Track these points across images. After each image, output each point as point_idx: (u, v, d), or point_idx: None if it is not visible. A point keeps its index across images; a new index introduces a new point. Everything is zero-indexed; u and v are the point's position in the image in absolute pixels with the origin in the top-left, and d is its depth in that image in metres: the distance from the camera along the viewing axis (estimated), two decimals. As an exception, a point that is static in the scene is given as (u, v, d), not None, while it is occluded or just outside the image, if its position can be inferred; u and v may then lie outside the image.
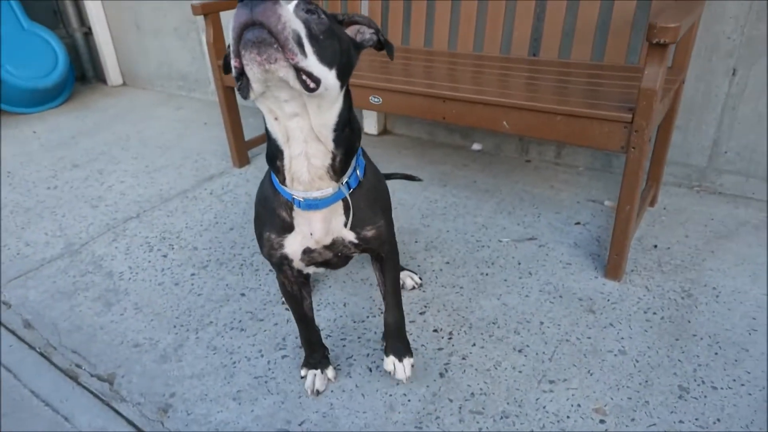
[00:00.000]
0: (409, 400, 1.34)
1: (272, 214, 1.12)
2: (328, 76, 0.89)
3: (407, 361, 1.38)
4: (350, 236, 1.13)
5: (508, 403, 1.31)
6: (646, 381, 1.35)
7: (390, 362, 1.37)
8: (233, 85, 2.46)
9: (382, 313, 1.63)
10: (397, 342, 1.38)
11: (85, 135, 3.29)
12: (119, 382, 1.47)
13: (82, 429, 1.33)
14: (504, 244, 1.93)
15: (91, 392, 1.44)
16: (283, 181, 1.04)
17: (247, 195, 2.40)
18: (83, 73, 4.43)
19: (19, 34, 3.57)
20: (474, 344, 1.50)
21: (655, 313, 1.56)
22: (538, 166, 2.51)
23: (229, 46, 0.89)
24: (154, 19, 3.80)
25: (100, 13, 4.10)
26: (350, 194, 1.08)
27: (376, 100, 1.97)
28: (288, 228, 1.11)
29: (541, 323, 1.56)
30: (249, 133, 2.76)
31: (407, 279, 1.73)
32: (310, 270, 1.26)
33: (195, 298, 1.77)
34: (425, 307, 1.65)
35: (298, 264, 1.17)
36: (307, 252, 1.13)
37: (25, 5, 3.68)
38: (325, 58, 0.87)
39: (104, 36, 4.18)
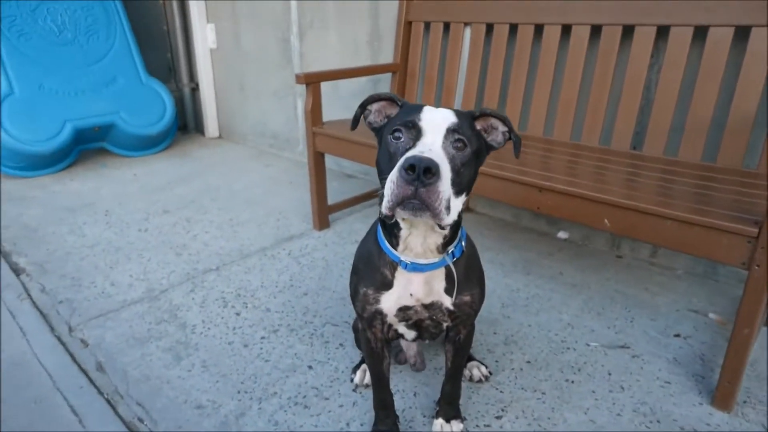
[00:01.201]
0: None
1: (373, 270, 1.19)
2: (459, 207, 1.02)
3: (456, 424, 1.42)
4: (447, 302, 1.18)
5: None
6: None
7: (438, 424, 1.42)
8: (324, 151, 2.52)
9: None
10: (448, 407, 1.43)
11: (179, 182, 3.48)
12: (177, 446, 1.42)
13: (135, 493, 1.28)
14: (592, 349, 1.77)
15: (149, 452, 1.41)
16: (393, 246, 1.13)
17: (323, 260, 2.39)
18: (185, 123, 4.77)
19: (138, 87, 3.91)
20: (557, 465, 1.34)
21: (776, 461, 1.34)
22: (631, 263, 2.34)
23: (365, 110, 1.18)
24: (256, 81, 4.05)
25: (209, 72, 4.44)
26: (453, 263, 1.15)
27: (467, 181, 1.93)
28: (387, 285, 1.18)
29: (636, 451, 1.37)
30: (332, 197, 2.80)
31: (474, 369, 1.63)
32: (401, 328, 1.30)
33: (262, 363, 1.73)
34: (502, 410, 1.51)
35: (391, 319, 1.22)
36: (403, 309, 1.19)
37: (145, 60, 4.05)
38: (460, 191, 1.01)
39: (209, 92, 4.51)
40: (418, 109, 1.04)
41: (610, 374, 1.65)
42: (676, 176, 1.76)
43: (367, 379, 1.57)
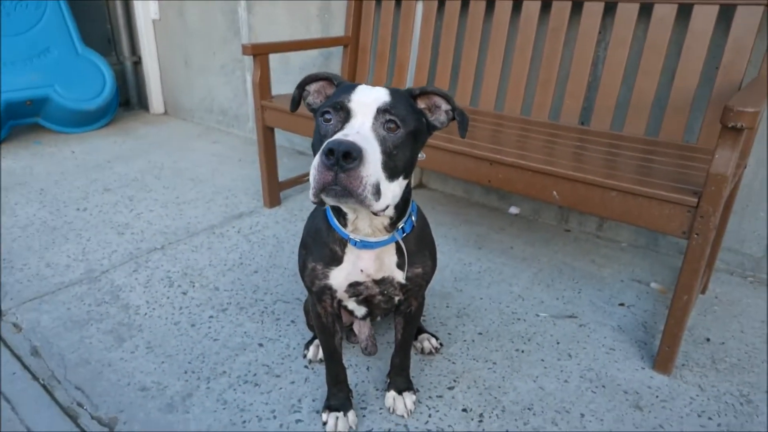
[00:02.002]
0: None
1: (322, 245, 1.16)
2: (396, 191, 0.98)
3: (408, 396, 1.40)
4: (399, 276, 1.17)
5: (544, 508, 1.16)
6: (703, 500, 1.19)
7: (390, 397, 1.41)
8: (273, 126, 2.44)
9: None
10: (399, 379, 1.42)
11: (120, 160, 3.31)
12: (120, 429, 1.36)
13: (73, 480, 1.22)
14: (542, 320, 1.80)
15: (89, 438, 1.34)
16: (342, 225, 1.11)
17: (274, 237, 2.33)
18: (128, 99, 4.53)
19: (73, 58, 3.67)
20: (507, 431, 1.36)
21: (710, 418, 1.41)
22: (578, 237, 2.40)
23: (303, 91, 1.15)
24: (202, 55, 3.88)
25: (152, 44, 4.23)
26: (403, 238, 1.14)
27: (420, 155, 1.91)
28: (337, 261, 1.15)
29: (582, 415, 1.41)
30: (283, 173, 2.73)
31: (425, 342, 1.63)
32: (351, 304, 1.29)
33: (210, 343, 1.67)
34: (454, 381, 1.52)
35: (341, 295, 1.20)
36: (353, 285, 1.17)
37: (81, 31, 3.81)
38: (395, 174, 0.96)
39: (152, 66, 4.29)
40: (351, 88, 0.99)
41: (558, 343, 1.69)
42: (621, 150, 1.80)
43: (320, 354, 1.55)
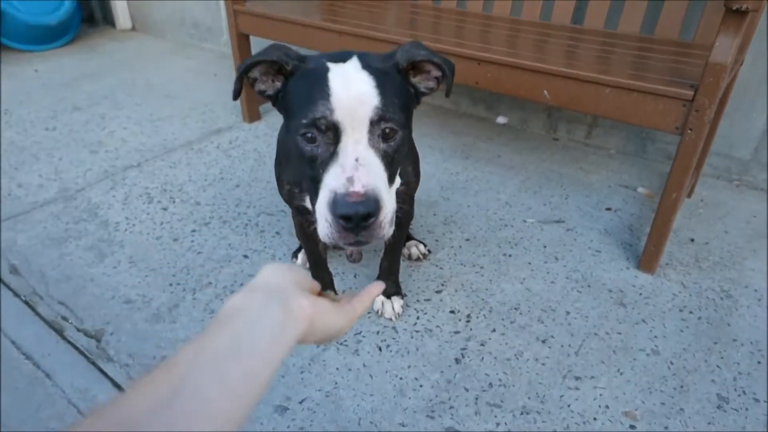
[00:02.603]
0: (421, 386, 1.22)
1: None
2: (393, 189, 0.89)
3: (396, 300, 1.39)
4: None
5: (529, 398, 1.20)
6: (681, 386, 1.23)
7: (378, 301, 1.38)
8: (248, 33, 2.29)
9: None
10: (387, 283, 1.36)
11: (88, 78, 3.12)
12: (107, 340, 1.35)
13: (64, 388, 1.22)
14: (529, 225, 1.79)
15: (77, 348, 1.33)
16: None
17: (255, 152, 2.26)
18: (91, 14, 4.23)
19: (26, -34, 3.37)
20: (494, 330, 1.38)
21: (691, 312, 1.44)
22: (567, 145, 2.36)
23: (248, 78, 0.93)
24: (168, -39, 3.58)
25: (113, -49, 3.89)
26: None
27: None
28: None
29: (567, 313, 1.43)
30: (262, 87, 2.60)
31: (413, 248, 1.62)
32: None
33: (194, 256, 1.65)
34: (442, 285, 1.53)
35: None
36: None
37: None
38: (393, 177, 0.86)
39: (116, -24, 3.97)
40: (323, 83, 0.81)
41: (545, 247, 1.69)
42: (615, 48, 1.72)
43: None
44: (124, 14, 4.16)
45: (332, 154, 0.79)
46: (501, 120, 2.56)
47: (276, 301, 0.50)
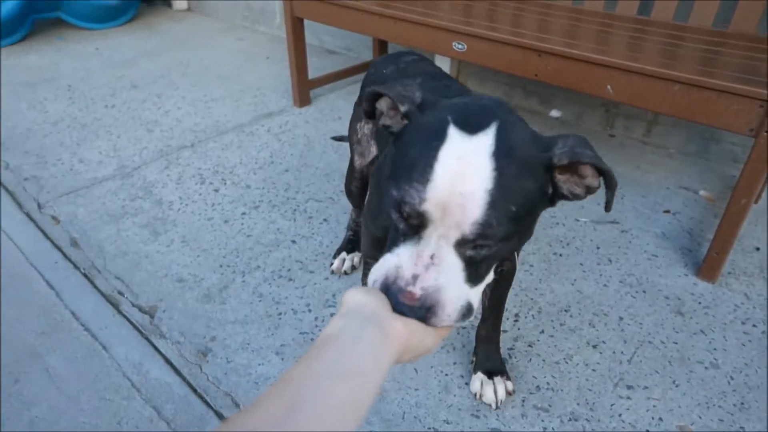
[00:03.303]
0: (466, 383, 1.21)
1: None
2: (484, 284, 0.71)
3: (500, 382, 1.17)
4: None
5: (578, 404, 1.17)
6: (742, 403, 1.17)
7: (477, 380, 1.19)
8: (303, 16, 2.29)
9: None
10: (488, 358, 1.20)
11: (146, 56, 3.20)
12: (160, 317, 1.39)
13: (119, 361, 1.27)
14: (581, 224, 1.74)
15: (131, 323, 1.38)
16: None
17: (305, 137, 2.27)
18: (150, -7, 4.33)
19: (90, -54, 3.47)
20: (542, 331, 1.35)
21: (755, 326, 1.37)
22: (624, 143, 2.27)
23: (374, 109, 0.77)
24: (225, -58, 3.62)
25: (172, -69, 3.95)
26: None
27: (459, 46, 1.77)
28: None
29: (621, 318, 1.38)
30: (313, 72, 2.60)
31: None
32: None
33: (244, 239, 1.67)
34: (490, 282, 1.50)
35: None
36: None
37: None
38: (481, 277, 0.68)
39: (173, -44, 4.04)
40: (429, 154, 0.63)
41: (598, 248, 1.64)
42: (686, 41, 1.63)
43: (345, 267, 1.51)
44: (180, -6, 4.23)
45: (407, 238, 0.67)
46: (555, 114, 2.48)
47: (373, 325, 0.53)
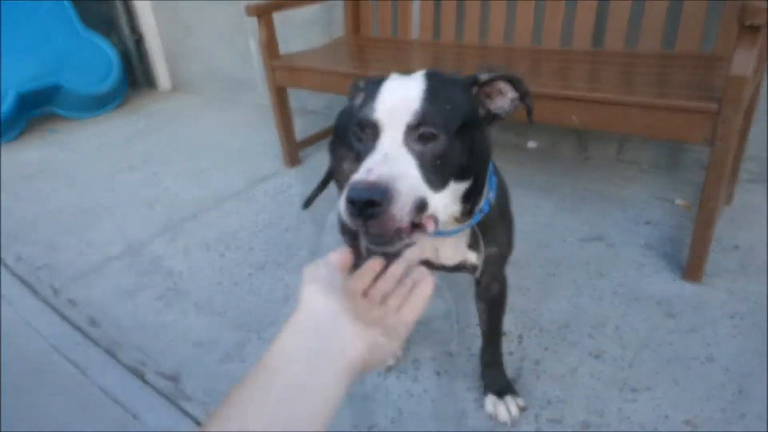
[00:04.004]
0: (481, 406, 1.28)
1: None
2: (449, 199, 0.85)
3: (511, 400, 1.24)
4: (473, 258, 1.06)
5: (588, 412, 1.24)
6: (740, 391, 1.25)
7: (489, 402, 1.26)
8: (285, 85, 2.46)
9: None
10: (495, 380, 1.28)
11: (138, 138, 3.36)
12: (183, 381, 1.46)
13: (151, 427, 1.33)
14: (569, 244, 1.85)
15: (157, 390, 1.44)
16: None
17: (300, 196, 2.38)
18: (134, 78, 4.54)
19: (77, 43, 3.68)
20: (546, 348, 1.43)
21: (742, 318, 1.46)
22: (598, 163, 2.41)
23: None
24: (202, 24, 3.85)
25: (152, 21, 4.20)
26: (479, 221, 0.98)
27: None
28: None
29: (617, 327, 1.47)
30: (298, 132, 2.75)
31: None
32: None
33: (255, 298, 1.76)
34: (491, 309, 1.59)
35: None
36: (423, 263, 0.99)
37: (78, 13, 3.79)
38: (445, 182, 0.82)
39: (155, 42, 4.28)
40: (376, 89, 0.84)
41: (588, 264, 1.74)
42: (638, 67, 1.79)
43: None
44: (163, 75, 4.46)
45: (371, 150, 0.81)
46: (532, 145, 2.64)
47: (329, 348, 0.53)
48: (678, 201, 2.04)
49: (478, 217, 0.96)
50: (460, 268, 1.09)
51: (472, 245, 1.04)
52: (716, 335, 1.41)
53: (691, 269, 1.59)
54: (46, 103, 3.66)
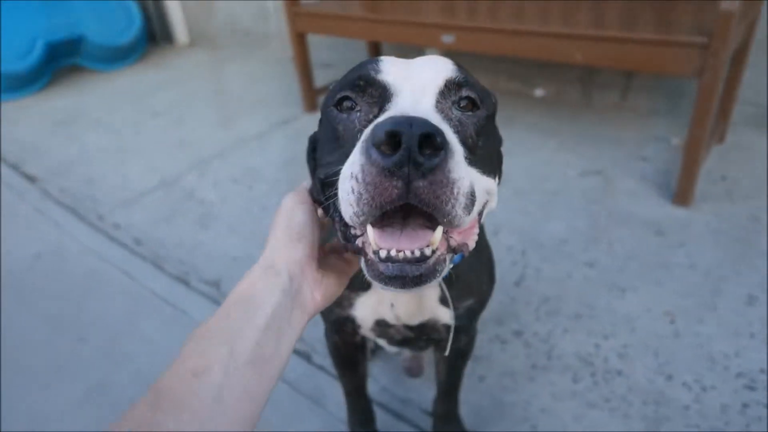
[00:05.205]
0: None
1: None
2: (485, 198, 0.61)
3: None
4: (445, 316, 0.81)
5: (580, 306, 1.42)
6: (715, 290, 1.43)
7: None
8: (305, 31, 2.58)
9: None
10: (444, 426, 1.11)
11: (160, 89, 3.50)
12: (225, 286, 1.65)
13: (201, 320, 1.52)
14: (569, 177, 2.01)
15: (202, 293, 1.64)
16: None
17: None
18: (153, 34, 4.64)
19: (97, -6, 3.80)
20: (545, 259, 1.61)
21: (723, 234, 1.63)
22: (602, 110, 2.55)
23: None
24: (219, -22, 3.95)
25: (168, -26, 4.28)
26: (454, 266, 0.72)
27: (448, 38, 2.05)
28: (364, 285, 0.76)
29: (610, 243, 1.64)
30: (317, 83, 2.89)
31: None
32: (380, 342, 0.93)
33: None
34: (497, 229, 1.76)
35: (367, 333, 0.87)
36: (381, 324, 0.83)
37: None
38: (484, 174, 0.60)
39: (171, -3, 4.37)
40: (370, 60, 0.62)
41: (585, 193, 1.90)
42: (639, 8, 1.91)
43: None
44: (182, 31, 4.55)
45: (376, 117, 0.56)
46: (539, 92, 2.77)
47: (290, 297, 0.57)
48: (674, 140, 2.19)
49: (460, 256, 0.65)
50: (426, 331, 0.83)
51: (444, 299, 0.78)
52: (698, 248, 1.58)
53: (680, 195, 1.76)
54: (71, 54, 3.80)
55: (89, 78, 3.83)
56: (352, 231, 0.58)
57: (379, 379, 1.31)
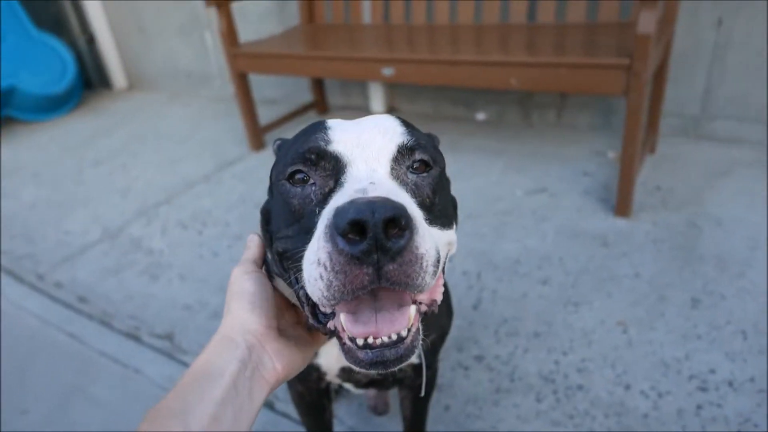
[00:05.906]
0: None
1: None
2: (446, 247, 0.64)
3: None
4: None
5: (538, 324, 1.45)
6: (661, 297, 1.48)
7: None
8: (246, 71, 2.58)
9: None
10: None
11: (101, 136, 3.40)
12: (178, 338, 1.59)
13: (153, 378, 1.46)
14: (518, 197, 2.06)
15: (154, 348, 1.57)
16: None
17: (268, 176, 2.52)
18: (89, 79, 4.53)
19: (29, 44, 3.68)
20: (501, 280, 1.63)
21: (664, 242, 1.70)
22: (542, 129, 2.64)
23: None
24: (156, 21, 3.91)
25: (103, 19, 4.21)
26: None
27: (388, 71, 2.10)
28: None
29: (561, 259, 1.69)
30: (262, 120, 2.88)
31: None
32: (349, 386, 0.92)
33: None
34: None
35: (332, 379, 0.87)
36: (347, 370, 0.83)
37: (28, 14, 3.78)
38: (434, 220, 0.61)
39: (107, 40, 4.28)
40: (320, 127, 0.62)
41: (534, 212, 1.96)
42: (568, 36, 2.02)
43: None
44: (119, 74, 4.47)
45: (332, 190, 0.56)
46: (481, 116, 2.85)
47: (249, 368, 0.56)
48: (610, 154, 2.30)
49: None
50: (392, 372, 0.72)
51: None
52: (642, 257, 1.65)
53: (620, 206, 1.83)
54: (3, 106, 3.65)
55: (24, 130, 3.69)
56: (321, 308, 0.58)
57: (345, 420, 1.28)
